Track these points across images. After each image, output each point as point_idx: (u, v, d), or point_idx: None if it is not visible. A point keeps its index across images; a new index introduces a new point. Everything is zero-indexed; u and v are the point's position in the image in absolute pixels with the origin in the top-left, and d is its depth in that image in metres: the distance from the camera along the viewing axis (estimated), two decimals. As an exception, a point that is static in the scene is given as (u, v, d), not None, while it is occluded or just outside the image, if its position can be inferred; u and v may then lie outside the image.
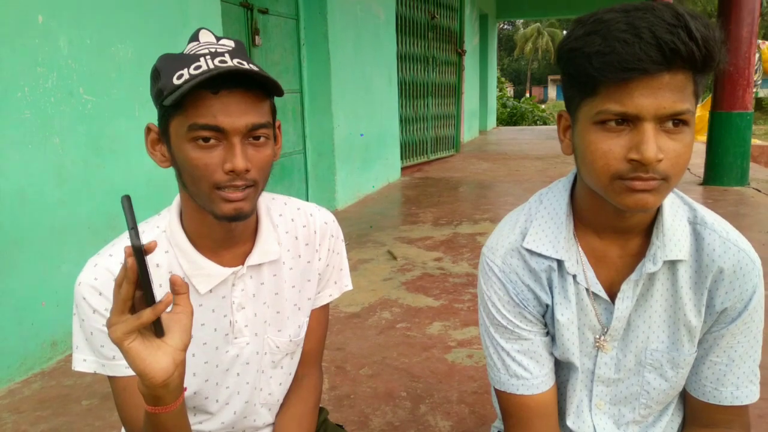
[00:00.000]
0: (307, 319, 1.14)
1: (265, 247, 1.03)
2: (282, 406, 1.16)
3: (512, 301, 1.00)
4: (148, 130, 0.96)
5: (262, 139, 0.91)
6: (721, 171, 6.17)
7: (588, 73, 0.79)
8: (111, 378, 0.97)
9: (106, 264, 0.95)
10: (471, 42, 11.90)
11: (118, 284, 0.72)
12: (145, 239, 0.98)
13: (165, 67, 0.88)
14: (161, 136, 0.93)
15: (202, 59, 0.86)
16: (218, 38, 0.92)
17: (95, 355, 0.96)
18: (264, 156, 0.92)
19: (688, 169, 7.24)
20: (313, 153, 5.48)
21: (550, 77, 49.23)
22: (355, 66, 5.85)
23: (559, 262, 0.97)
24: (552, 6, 15.23)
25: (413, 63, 8.07)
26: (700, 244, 0.94)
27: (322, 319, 1.18)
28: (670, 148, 0.80)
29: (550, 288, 0.99)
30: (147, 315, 0.73)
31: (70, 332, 0.98)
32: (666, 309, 0.97)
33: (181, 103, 0.86)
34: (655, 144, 0.78)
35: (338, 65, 5.43)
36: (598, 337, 1.00)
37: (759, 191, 5.92)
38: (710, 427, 1.02)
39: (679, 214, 0.95)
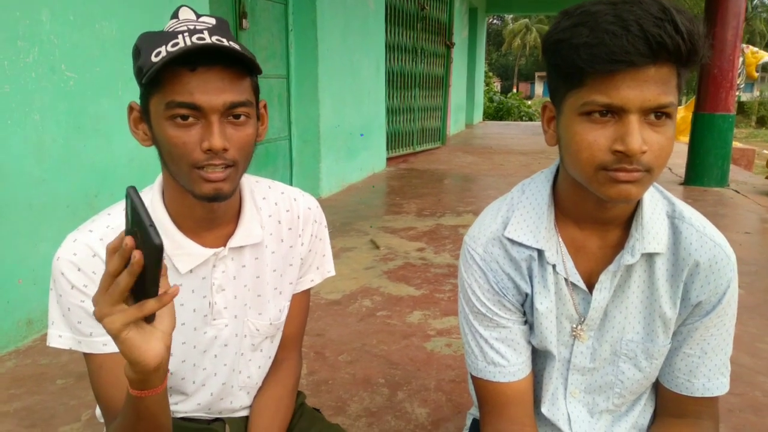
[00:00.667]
0: (288, 303, 1.13)
1: (247, 230, 1.02)
2: (260, 388, 1.16)
3: (492, 289, 1.01)
4: (131, 108, 0.95)
5: (242, 118, 0.89)
6: (702, 171, 6.26)
7: (575, 64, 0.80)
8: (87, 355, 0.96)
9: (86, 240, 0.94)
10: (460, 35, 11.89)
11: (113, 274, 0.69)
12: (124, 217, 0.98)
13: (144, 44, 0.87)
14: (143, 115, 0.92)
15: (180, 36, 0.85)
16: (198, 15, 0.91)
17: (72, 331, 0.94)
18: (244, 135, 0.90)
19: (669, 168, 7.34)
20: (299, 140, 5.45)
21: (537, 74, 49.40)
22: (343, 54, 5.82)
23: (540, 252, 0.98)
24: (541, 2, 15.27)
25: (401, 53, 8.05)
26: (677, 238, 0.96)
27: (303, 303, 1.18)
28: (654, 140, 0.81)
29: (530, 277, 1.00)
30: (151, 306, 0.71)
31: (47, 310, 0.96)
32: (642, 300, 0.99)
33: (159, 80, 0.85)
34: (639, 136, 0.79)
35: (326, 52, 5.40)
36: (575, 326, 1.01)
37: (738, 192, 6.02)
38: (681, 417, 1.03)
39: (658, 207, 0.96)
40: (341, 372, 2.25)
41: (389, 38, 7.41)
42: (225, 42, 0.85)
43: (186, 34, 0.85)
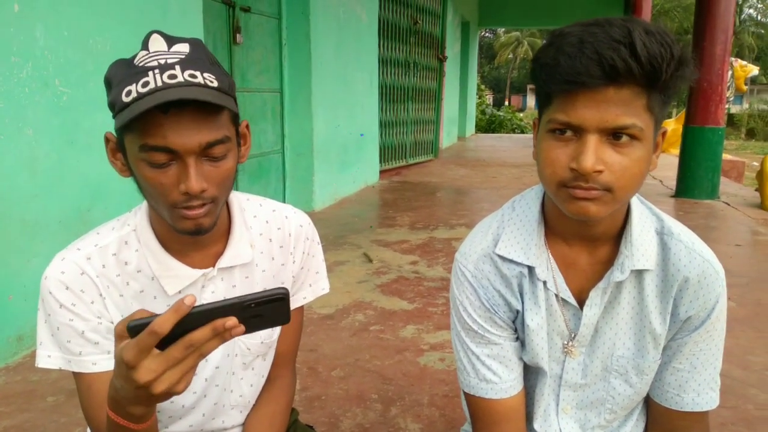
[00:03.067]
0: None
1: (236, 250, 1.02)
2: (254, 406, 1.15)
3: (483, 306, 1.01)
4: (107, 140, 0.93)
5: (219, 155, 0.87)
6: (693, 184, 6.30)
7: (540, 83, 0.84)
8: (77, 374, 0.96)
9: (74, 258, 0.94)
10: (452, 48, 11.98)
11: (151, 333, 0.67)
12: (114, 236, 0.97)
13: (115, 78, 0.85)
14: (119, 146, 0.91)
15: (150, 73, 0.82)
16: (171, 43, 0.87)
17: (61, 351, 0.94)
18: (223, 171, 0.89)
19: (660, 181, 7.38)
20: (292, 153, 5.46)
21: (529, 86, 49.62)
22: (336, 68, 5.85)
23: (530, 269, 0.99)
24: (534, 15, 15.40)
25: (394, 67, 8.10)
26: (666, 254, 0.96)
27: (296, 321, 1.17)
28: (615, 161, 0.82)
29: (521, 294, 1.01)
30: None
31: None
32: (632, 316, 0.99)
33: (131, 122, 0.83)
34: (593, 156, 0.80)
35: (319, 66, 5.43)
36: (566, 342, 1.02)
37: (728, 205, 6.06)
38: None
39: (647, 224, 0.97)
40: (334, 388, 2.24)
41: (382, 52, 7.45)
42: (198, 77, 0.83)
43: (157, 70, 0.82)
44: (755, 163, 11.33)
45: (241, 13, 4.50)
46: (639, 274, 0.96)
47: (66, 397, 2.14)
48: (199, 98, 0.81)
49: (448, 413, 2.07)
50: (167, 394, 0.70)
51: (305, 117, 5.40)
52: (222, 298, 1.02)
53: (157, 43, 0.86)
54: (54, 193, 2.55)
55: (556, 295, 0.99)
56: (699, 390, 1.00)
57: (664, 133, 0.89)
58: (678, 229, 0.98)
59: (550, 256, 0.99)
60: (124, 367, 0.68)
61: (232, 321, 0.68)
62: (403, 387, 2.25)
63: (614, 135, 0.81)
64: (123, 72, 0.85)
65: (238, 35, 4.41)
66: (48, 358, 0.94)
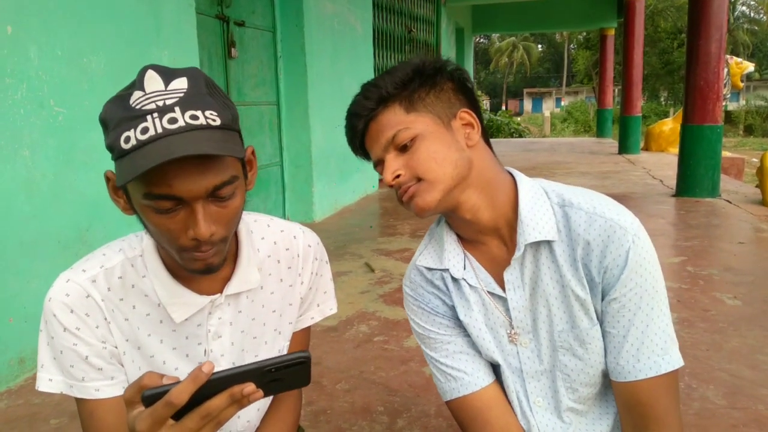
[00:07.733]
0: (288, 342, 1.11)
1: (244, 276, 0.99)
2: (260, 426, 1.13)
3: (424, 311, 1.10)
4: (107, 178, 0.90)
5: (226, 196, 0.83)
6: (693, 183, 6.28)
7: None
8: (79, 400, 0.94)
9: (79, 280, 0.92)
10: (448, 55, 11.96)
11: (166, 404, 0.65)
12: (121, 258, 0.95)
13: (111, 119, 0.80)
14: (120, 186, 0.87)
15: (149, 118, 0.77)
16: (168, 79, 0.80)
17: (63, 375, 0.92)
18: (231, 211, 0.85)
19: (661, 180, 7.37)
20: (291, 165, 5.46)
21: (525, 90, 49.83)
22: (332, 78, 5.86)
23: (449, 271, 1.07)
24: (526, 21, 15.50)
25: (390, 76, 8.11)
26: (568, 223, 0.99)
27: (303, 341, 1.15)
28: (405, 163, 0.97)
29: (450, 294, 1.08)
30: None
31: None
32: (558, 290, 1.01)
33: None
34: (392, 166, 0.98)
35: (315, 77, 5.44)
36: (509, 331, 1.05)
37: (729, 202, 6.04)
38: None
39: (540, 201, 1.01)
40: (340, 401, 2.22)
41: (378, 62, 7.47)
42: (200, 117, 0.78)
43: (155, 114, 0.77)
44: (755, 160, 11.35)
45: (236, 28, 4.51)
46: (549, 247, 0.99)
47: (69, 420, 2.12)
48: (204, 152, 0.76)
49: (456, 423, 2.04)
50: None
51: (303, 128, 5.40)
52: (228, 324, 1.01)
53: (153, 82, 0.80)
54: (52, 213, 2.54)
55: (484, 289, 1.04)
56: (638, 356, 0.96)
57: (470, 114, 1.04)
58: (578, 199, 1.01)
59: (468, 255, 1.06)
60: None
61: (250, 387, 0.66)
62: (409, 398, 2.22)
63: (401, 146, 0.97)
64: (119, 114, 0.79)
65: (233, 49, 4.42)
66: (49, 381, 0.93)
